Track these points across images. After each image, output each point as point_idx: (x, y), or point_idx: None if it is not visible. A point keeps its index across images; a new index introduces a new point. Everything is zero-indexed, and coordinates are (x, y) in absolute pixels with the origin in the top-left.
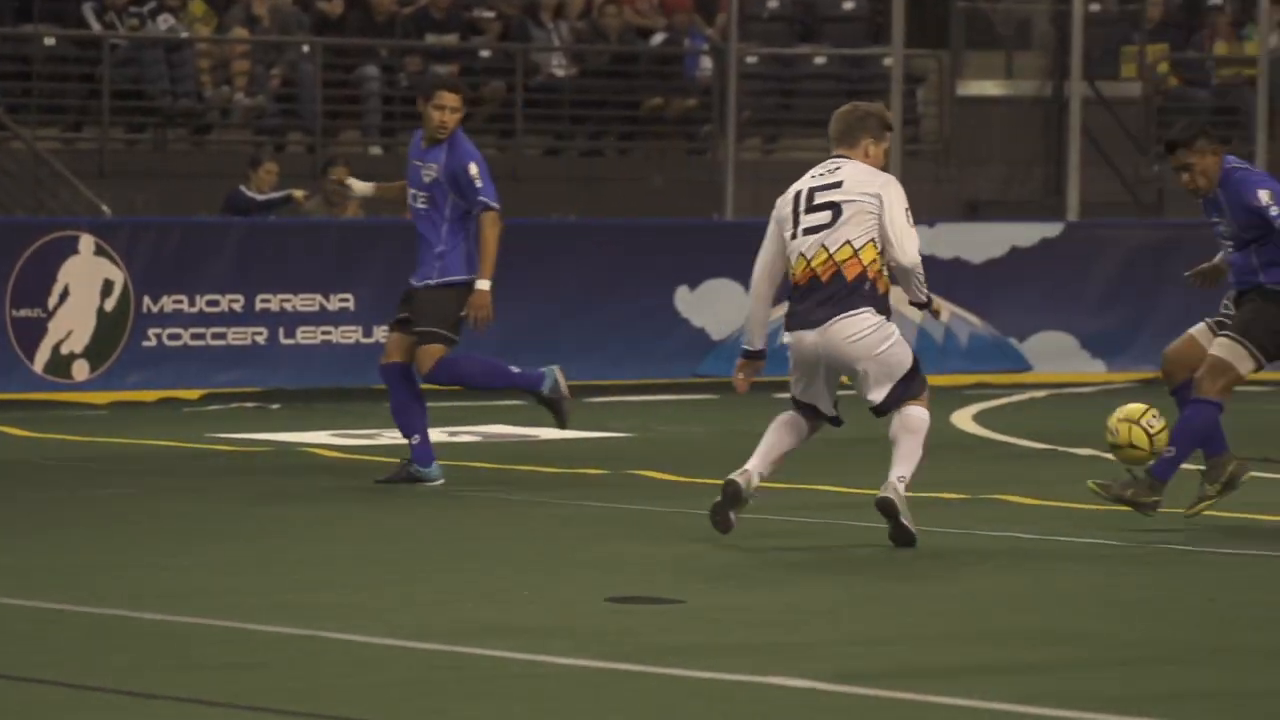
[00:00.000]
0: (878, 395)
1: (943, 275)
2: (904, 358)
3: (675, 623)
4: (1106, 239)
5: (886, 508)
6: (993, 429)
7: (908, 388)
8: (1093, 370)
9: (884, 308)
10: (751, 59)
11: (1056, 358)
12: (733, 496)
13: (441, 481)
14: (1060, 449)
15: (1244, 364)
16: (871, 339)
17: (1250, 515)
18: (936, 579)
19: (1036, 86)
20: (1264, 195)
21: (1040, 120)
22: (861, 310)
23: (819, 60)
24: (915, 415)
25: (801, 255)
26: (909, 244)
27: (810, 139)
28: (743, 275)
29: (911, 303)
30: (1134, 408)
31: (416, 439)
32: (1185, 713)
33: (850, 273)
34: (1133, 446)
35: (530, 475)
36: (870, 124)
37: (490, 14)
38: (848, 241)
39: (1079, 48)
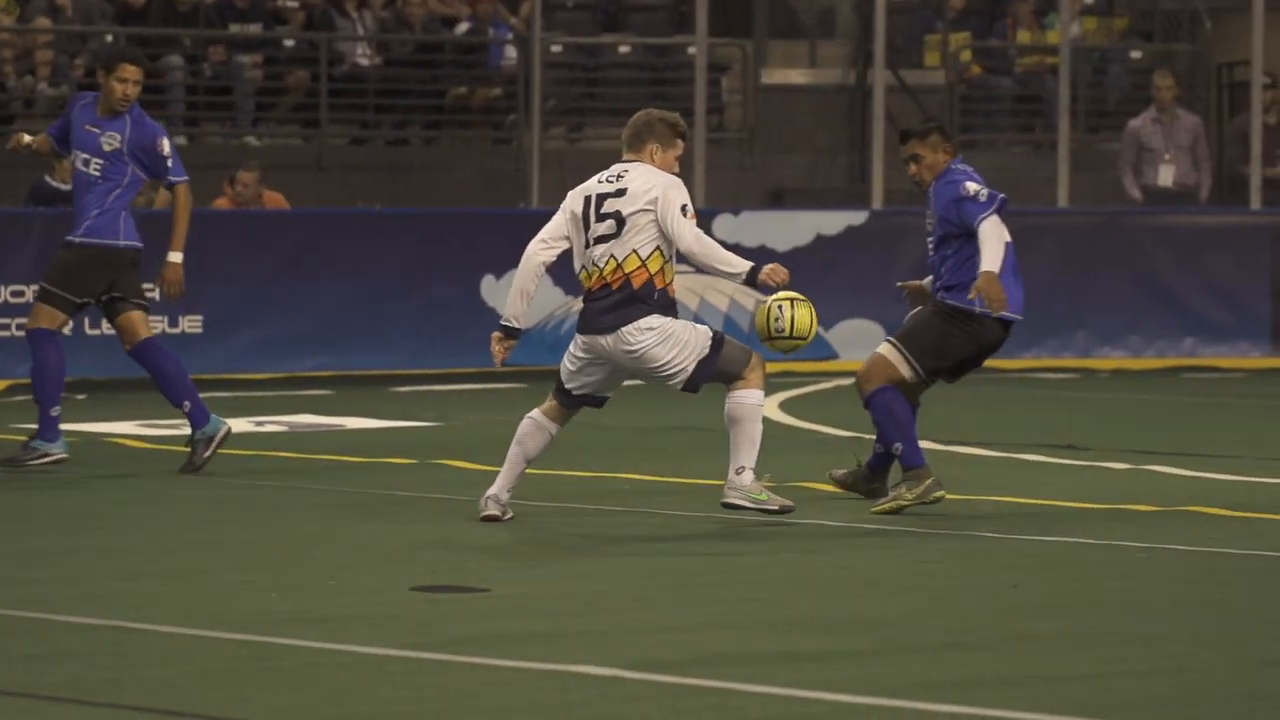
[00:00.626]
0: (678, 383)
1: None
2: (693, 348)
3: (480, 611)
4: (911, 227)
5: (729, 509)
6: (799, 417)
7: (707, 368)
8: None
9: (669, 309)
10: (556, 48)
11: (863, 345)
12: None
13: (228, 428)
14: (867, 437)
15: (903, 369)
16: (656, 349)
17: (1054, 502)
18: (742, 567)
19: (840, 75)
20: (971, 186)
21: (844, 108)
22: (647, 318)
23: (623, 49)
24: (736, 403)
25: (594, 264)
26: (682, 230)
27: (615, 128)
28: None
29: (744, 284)
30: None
31: (188, 405)
32: (987, 699)
33: (638, 281)
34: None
35: (336, 465)
36: (657, 130)
37: (294, 3)
38: (634, 251)
39: (882, 36)
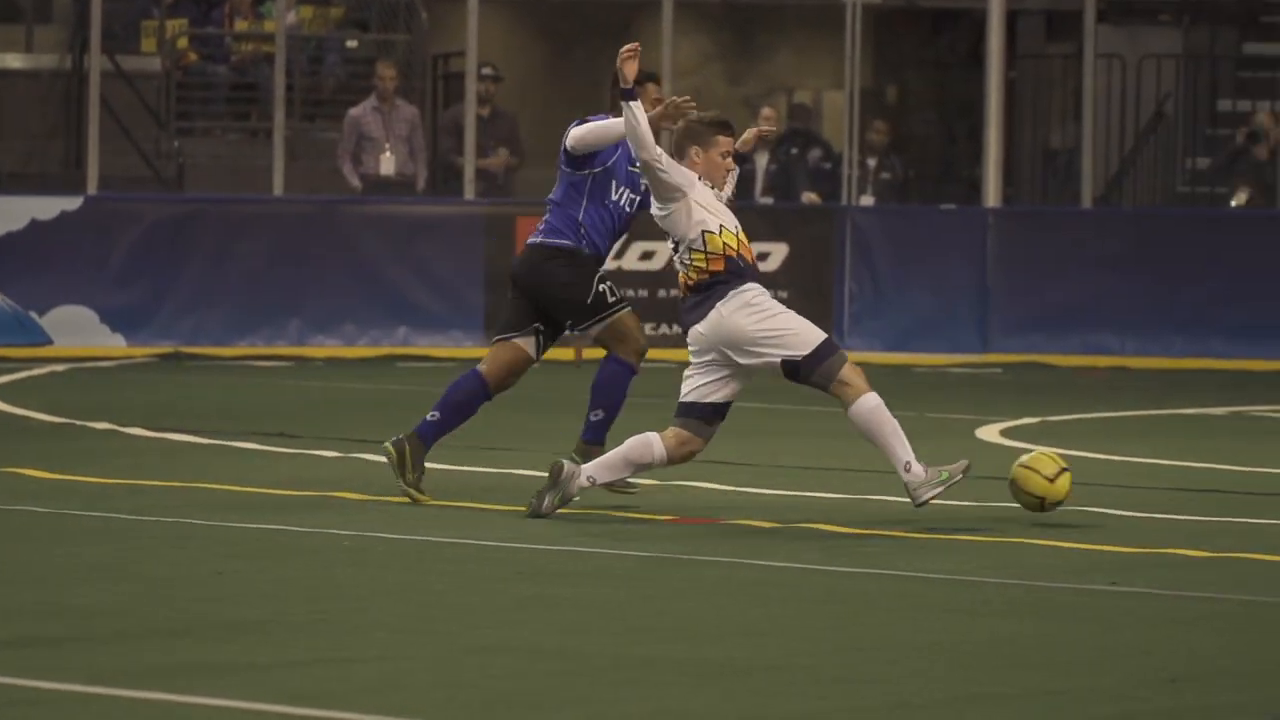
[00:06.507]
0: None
1: None
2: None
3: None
4: (126, 213)
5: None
6: (13, 404)
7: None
8: (113, 344)
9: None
10: None
11: (76, 332)
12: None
13: None
14: (80, 423)
15: None
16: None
17: (264, 490)
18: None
19: (57, 60)
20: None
21: (61, 94)
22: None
23: None
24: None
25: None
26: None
27: None
28: None
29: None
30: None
31: None
32: (185, 686)
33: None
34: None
35: None
36: (691, 133)
37: None
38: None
39: (98, 22)
